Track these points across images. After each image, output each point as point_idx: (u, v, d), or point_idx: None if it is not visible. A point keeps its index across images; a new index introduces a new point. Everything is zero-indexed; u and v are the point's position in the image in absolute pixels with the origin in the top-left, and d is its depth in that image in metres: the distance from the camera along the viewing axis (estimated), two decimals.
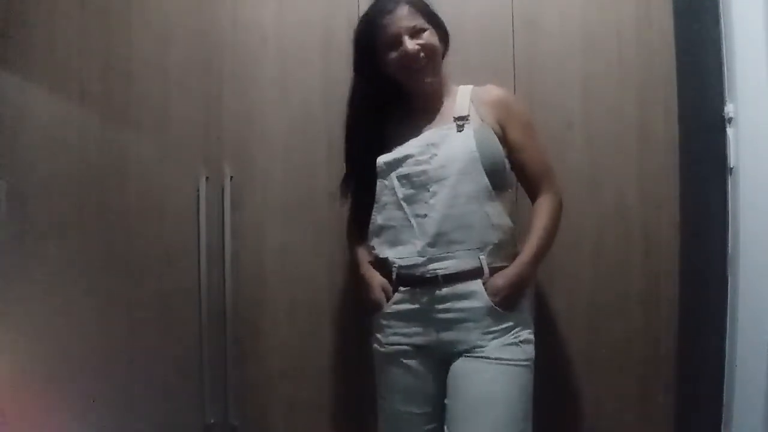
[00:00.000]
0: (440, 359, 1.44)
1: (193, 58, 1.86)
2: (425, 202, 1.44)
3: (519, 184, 1.58)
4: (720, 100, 1.78)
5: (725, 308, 1.75)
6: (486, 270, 1.41)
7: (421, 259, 1.43)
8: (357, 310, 1.68)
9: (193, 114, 1.86)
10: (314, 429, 1.84)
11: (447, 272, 1.42)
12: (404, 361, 1.47)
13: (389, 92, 1.55)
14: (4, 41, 1.83)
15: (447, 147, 1.45)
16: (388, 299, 1.49)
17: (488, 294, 1.40)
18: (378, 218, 1.52)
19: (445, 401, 1.41)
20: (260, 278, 1.85)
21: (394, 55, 1.46)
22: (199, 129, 1.86)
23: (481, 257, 1.42)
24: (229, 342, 1.82)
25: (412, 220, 1.45)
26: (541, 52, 1.83)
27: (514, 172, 1.53)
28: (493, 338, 1.39)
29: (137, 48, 1.86)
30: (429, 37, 1.47)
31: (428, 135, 1.48)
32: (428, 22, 1.48)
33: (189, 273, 1.83)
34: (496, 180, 1.44)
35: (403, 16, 1.45)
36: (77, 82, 1.85)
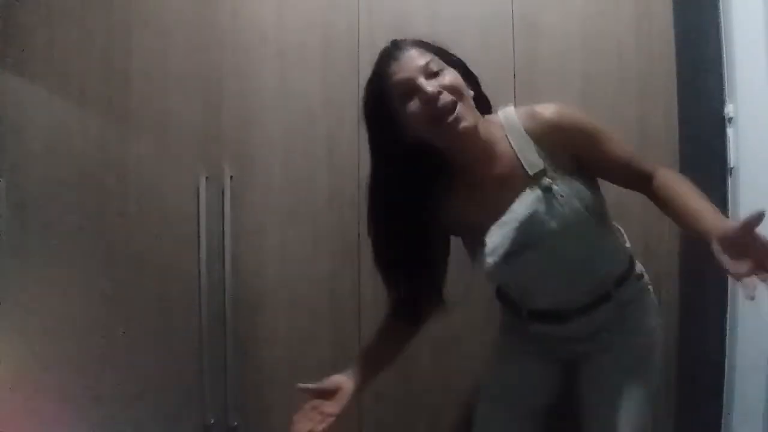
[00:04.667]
0: None
1: (193, 58, 1.86)
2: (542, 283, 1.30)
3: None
4: (720, 100, 1.78)
5: (725, 309, 1.75)
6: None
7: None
8: (357, 310, 1.68)
9: (193, 114, 1.85)
10: None
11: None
12: None
13: (426, 163, 1.24)
14: (4, 41, 1.83)
15: (544, 220, 1.21)
16: None
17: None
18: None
19: None
20: (260, 278, 1.85)
21: (412, 106, 1.16)
22: (199, 129, 1.85)
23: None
24: (229, 342, 1.82)
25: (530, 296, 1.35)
26: (541, 52, 1.83)
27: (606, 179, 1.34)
28: None
29: (137, 48, 1.86)
30: (449, 75, 1.18)
31: (515, 211, 1.22)
32: (443, 61, 1.20)
33: (189, 273, 1.83)
34: (601, 217, 1.29)
35: (413, 57, 1.18)
36: (77, 82, 1.84)
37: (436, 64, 1.18)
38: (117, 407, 1.80)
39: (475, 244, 1.26)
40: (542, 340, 1.39)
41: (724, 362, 1.75)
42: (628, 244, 1.39)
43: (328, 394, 1.29)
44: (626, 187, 1.32)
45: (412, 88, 1.16)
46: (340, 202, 1.84)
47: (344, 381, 1.29)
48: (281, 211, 1.85)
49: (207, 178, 1.83)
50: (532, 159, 1.21)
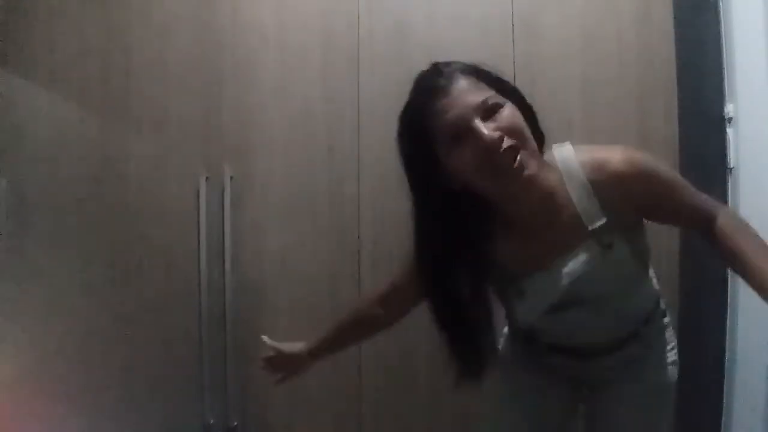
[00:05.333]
0: None
1: (193, 57, 1.86)
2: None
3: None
4: (720, 100, 1.78)
5: (725, 309, 1.75)
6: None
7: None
8: None
9: (193, 114, 1.85)
10: (314, 429, 1.84)
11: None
12: None
13: (472, 207, 1.07)
14: (4, 41, 1.83)
15: (599, 279, 1.09)
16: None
17: None
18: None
19: None
20: (260, 278, 1.85)
21: (466, 153, 0.97)
22: (199, 129, 1.86)
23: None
24: (229, 342, 1.82)
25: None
26: (541, 53, 1.83)
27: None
28: None
29: (137, 48, 1.86)
30: (510, 114, 0.99)
31: (569, 267, 1.08)
32: (500, 92, 1.01)
33: (189, 273, 1.83)
34: (647, 267, 1.21)
35: (464, 90, 0.98)
36: (77, 82, 1.84)
37: (492, 97, 0.99)
38: (117, 407, 1.80)
39: (515, 290, 1.15)
40: (555, 368, 1.28)
41: (724, 362, 1.75)
42: (657, 284, 1.29)
43: (285, 356, 1.38)
44: (684, 227, 1.23)
45: (465, 131, 0.96)
46: (340, 202, 1.84)
47: (300, 350, 1.37)
48: (281, 211, 1.85)
49: (207, 178, 1.83)
50: (592, 213, 1.05)
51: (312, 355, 1.36)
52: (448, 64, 1.05)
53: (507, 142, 0.95)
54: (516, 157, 0.95)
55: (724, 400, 1.74)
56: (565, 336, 1.21)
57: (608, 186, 1.04)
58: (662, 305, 1.32)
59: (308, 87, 1.86)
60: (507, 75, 1.89)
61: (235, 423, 1.82)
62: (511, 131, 0.96)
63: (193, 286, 1.82)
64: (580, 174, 1.06)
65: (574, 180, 1.06)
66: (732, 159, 1.74)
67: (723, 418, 1.74)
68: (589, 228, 1.06)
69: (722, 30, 1.78)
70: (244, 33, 1.87)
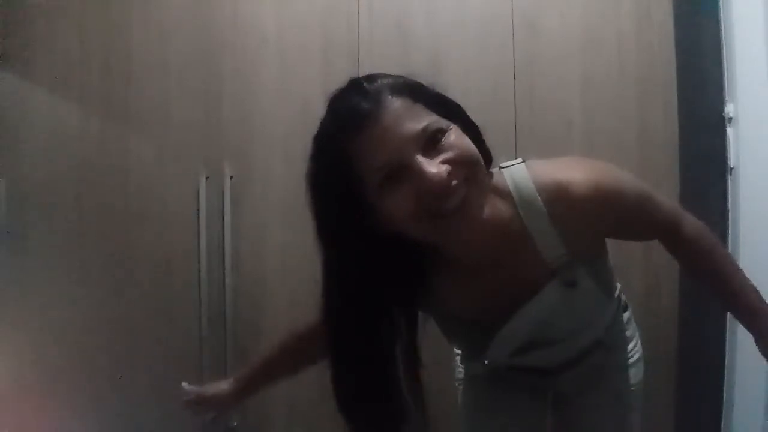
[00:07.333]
0: None
1: (193, 58, 1.86)
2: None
3: None
4: (720, 100, 1.78)
5: None
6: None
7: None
8: None
9: (193, 114, 1.85)
10: (314, 429, 1.84)
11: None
12: None
13: (402, 253, 0.87)
14: (4, 41, 1.83)
15: (564, 319, 0.98)
16: None
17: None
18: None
19: None
20: (260, 278, 1.85)
21: (400, 195, 0.78)
22: (199, 129, 1.85)
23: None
24: (229, 342, 1.82)
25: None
26: (541, 53, 1.83)
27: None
28: None
29: (137, 48, 1.86)
30: (457, 140, 0.79)
31: (530, 312, 0.94)
32: (443, 115, 0.81)
33: (189, 273, 1.83)
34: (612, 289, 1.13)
35: (398, 117, 0.77)
36: (77, 82, 1.84)
37: (433, 122, 0.78)
38: (117, 406, 1.80)
39: (469, 335, 1.03)
40: (518, 384, 1.18)
41: (724, 362, 1.75)
42: (618, 285, 1.17)
43: (207, 398, 1.26)
44: (647, 240, 1.14)
45: (401, 170, 0.76)
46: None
47: (223, 390, 1.24)
48: (281, 210, 1.85)
49: (207, 178, 1.83)
50: (554, 247, 0.90)
51: (238, 394, 1.23)
52: (372, 79, 0.83)
53: (456, 178, 0.77)
54: (466, 197, 0.78)
55: (724, 400, 1.74)
56: (525, 362, 1.12)
57: (571, 215, 0.88)
58: (622, 300, 1.21)
59: (308, 87, 1.86)
60: (507, 75, 1.91)
61: (235, 423, 1.82)
62: (459, 161, 0.78)
63: (193, 286, 1.82)
64: (538, 201, 0.88)
65: (531, 210, 0.89)
66: (732, 159, 1.74)
67: (723, 418, 1.74)
68: (551, 266, 0.91)
69: (722, 30, 1.78)
70: (244, 33, 1.87)
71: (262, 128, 1.86)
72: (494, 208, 0.84)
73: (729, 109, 1.75)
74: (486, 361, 1.06)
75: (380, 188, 0.78)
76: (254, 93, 1.86)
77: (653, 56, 1.81)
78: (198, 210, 1.83)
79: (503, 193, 0.89)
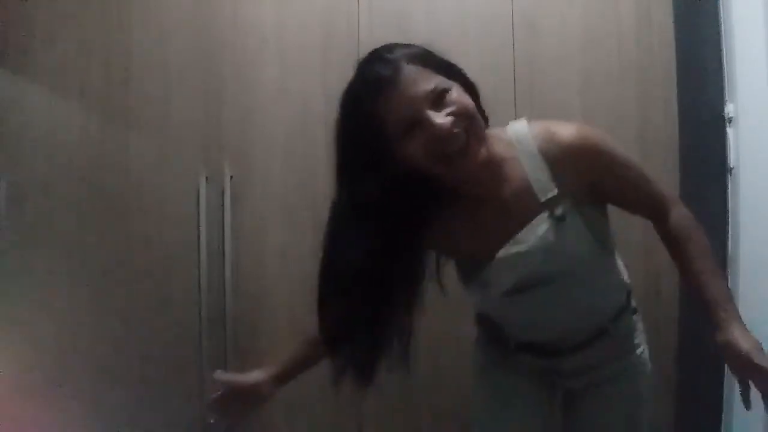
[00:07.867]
0: None
1: (193, 58, 1.86)
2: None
3: None
4: (720, 100, 1.78)
5: None
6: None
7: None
8: None
9: (193, 114, 1.86)
10: (314, 429, 1.84)
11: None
12: None
13: (415, 188, 1.05)
14: (4, 41, 1.83)
15: (555, 254, 1.07)
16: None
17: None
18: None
19: None
20: (260, 278, 1.85)
21: (416, 143, 0.98)
22: (199, 129, 1.86)
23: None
24: (229, 342, 1.82)
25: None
26: (541, 52, 1.83)
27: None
28: None
29: (137, 48, 1.86)
30: (458, 96, 0.99)
31: (523, 241, 1.07)
32: (446, 76, 1.01)
33: (189, 273, 1.83)
34: (609, 250, 1.19)
35: (412, 80, 0.97)
36: (77, 82, 1.84)
37: (440, 83, 0.98)
38: (117, 406, 1.80)
39: (472, 272, 1.13)
40: (529, 368, 1.25)
41: (724, 363, 1.75)
42: (627, 278, 1.28)
43: (244, 388, 1.25)
44: (638, 215, 1.20)
45: (416, 122, 0.97)
46: None
47: (259, 379, 1.24)
48: (281, 211, 1.85)
49: (207, 178, 1.83)
50: (544, 184, 1.05)
51: (278, 380, 1.24)
52: (390, 49, 1.03)
53: (458, 127, 0.97)
54: (468, 142, 0.98)
55: (724, 400, 1.74)
56: (530, 324, 1.19)
57: (560, 157, 1.05)
58: (633, 303, 1.29)
59: (308, 87, 1.86)
60: (507, 74, 1.91)
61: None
62: (460, 114, 0.98)
63: (193, 286, 1.82)
64: (532, 145, 1.07)
65: (526, 152, 1.07)
66: (732, 159, 1.74)
67: (723, 418, 1.74)
68: (541, 199, 1.06)
69: (722, 30, 1.78)
70: (244, 33, 1.87)
71: (262, 128, 1.86)
72: (492, 149, 1.03)
73: (729, 109, 1.75)
74: (488, 302, 1.17)
75: (402, 137, 0.98)
76: (254, 93, 1.86)
77: (653, 56, 1.82)
78: (198, 210, 1.83)
79: (505, 141, 1.08)
